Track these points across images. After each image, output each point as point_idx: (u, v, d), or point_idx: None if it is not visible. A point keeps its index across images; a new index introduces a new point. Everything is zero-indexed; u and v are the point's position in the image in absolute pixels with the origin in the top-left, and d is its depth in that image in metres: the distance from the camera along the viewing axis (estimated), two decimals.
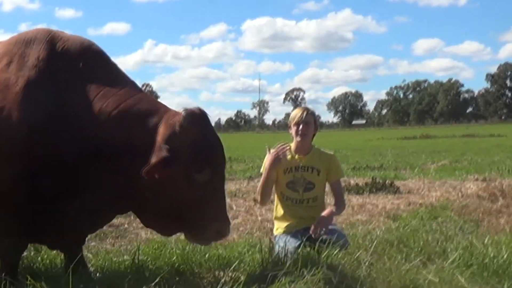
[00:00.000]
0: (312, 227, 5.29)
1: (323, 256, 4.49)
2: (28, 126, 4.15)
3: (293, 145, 5.79)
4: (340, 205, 5.88)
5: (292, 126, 5.74)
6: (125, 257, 5.37)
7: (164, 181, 4.05)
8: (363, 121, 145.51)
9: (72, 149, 4.23)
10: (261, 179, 5.67)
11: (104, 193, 4.26)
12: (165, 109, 4.35)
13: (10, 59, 4.39)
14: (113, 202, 4.37)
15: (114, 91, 4.35)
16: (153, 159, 4.03)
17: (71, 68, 4.39)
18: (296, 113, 5.73)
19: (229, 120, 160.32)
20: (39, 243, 5.04)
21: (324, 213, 5.48)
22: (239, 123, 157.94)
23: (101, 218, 4.66)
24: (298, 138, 5.69)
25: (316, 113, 5.97)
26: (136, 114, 4.26)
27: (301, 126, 5.66)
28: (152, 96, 4.61)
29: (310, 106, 6.35)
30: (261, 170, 5.78)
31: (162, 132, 4.13)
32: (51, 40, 4.50)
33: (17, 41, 4.53)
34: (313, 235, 5.20)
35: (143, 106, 4.32)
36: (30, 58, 4.36)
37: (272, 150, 5.55)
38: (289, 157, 5.74)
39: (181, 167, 4.08)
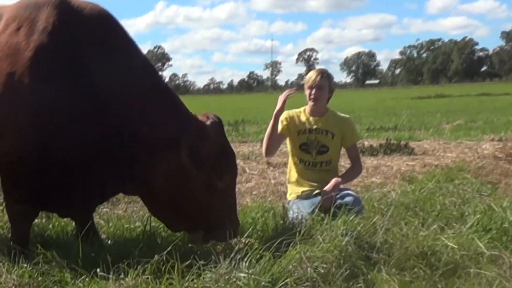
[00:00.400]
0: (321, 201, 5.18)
1: (338, 222, 4.37)
2: (39, 93, 4.08)
3: (307, 107, 5.66)
4: (356, 169, 5.80)
5: (306, 89, 5.60)
6: (137, 223, 5.31)
7: (184, 183, 4.21)
8: (377, 81, 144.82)
9: (85, 121, 4.18)
10: (267, 129, 5.55)
11: (113, 172, 4.29)
12: (188, 112, 4.43)
13: (20, 23, 4.27)
14: (122, 183, 4.41)
15: (134, 71, 4.32)
16: (186, 162, 4.16)
17: (86, 37, 4.28)
18: (310, 76, 5.59)
19: (242, 81, 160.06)
20: (49, 211, 5.00)
21: (327, 187, 5.29)
22: (251, 84, 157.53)
23: (109, 192, 4.62)
24: (311, 103, 5.57)
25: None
26: (160, 109, 4.30)
27: (314, 90, 5.53)
28: (172, 90, 4.62)
29: (323, 68, 6.15)
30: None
31: (193, 136, 4.20)
32: (66, 5, 4.36)
33: (28, 5, 4.38)
34: (323, 208, 5.08)
35: (167, 104, 4.36)
36: (42, 23, 4.23)
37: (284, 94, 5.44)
38: (303, 118, 5.63)
39: (204, 173, 4.22)
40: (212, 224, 4.29)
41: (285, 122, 5.60)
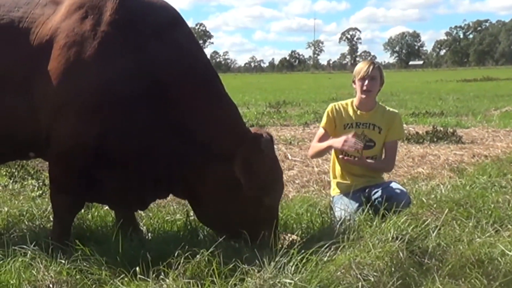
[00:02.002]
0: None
1: (388, 224, 4.16)
2: (103, 81, 4.12)
3: (356, 100, 5.43)
4: (387, 163, 5.52)
5: (356, 81, 5.37)
6: (177, 215, 5.18)
7: (233, 195, 4.21)
8: (421, 62, 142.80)
9: (145, 113, 4.20)
10: (319, 144, 5.37)
11: (167, 170, 4.32)
12: (243, 124, 4.52)
13: (87, 11, 4.26)
14: (174, 184, 4.43)
15: (197, 71, 4.35)
16: (239, 175, 4.15)
17: (151, 31, 4.29)
18: (361, 67, 5.34)
19: (283, 60, 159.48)
20: (99, 202, 5.00)
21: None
22: (293, 63, 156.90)
23: (162, 190, 4.58)
24: (363, 95, 5.33)
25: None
26: (219, 117, 4.31)
27: (366, 82, 5.29)
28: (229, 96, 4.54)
29: (368, 58, 5.92)
30: (321, 124, 5.50)
31: (249, 151, 4.16)
32: None
33: None
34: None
35: (226, 113, 4.38)
36: (108, 13, 4.24)
37: (349, 137, 5.08)
38: (351, 112, 5.41)
39: (254, 187, 4.17)
40: (253, 236, 4.20)
41: (330, 116, 5.43)
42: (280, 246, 4.01)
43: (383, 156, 5.53)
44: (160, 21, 4.37)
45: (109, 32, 4.18)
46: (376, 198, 5.08)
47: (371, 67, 5.28)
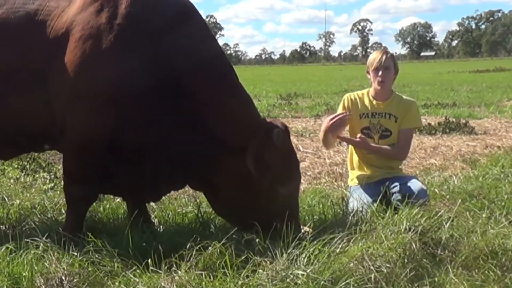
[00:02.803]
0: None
1: (401, 215, 4.13)
2: (119, 73, 4.14)
3: (371, 90, 5.38)
4: (398, 150, 5.35)
5: (370, 71, 5.32)
6: (189, 207, 5.18)
7: (248, 187, 4.20)
8: (432, 53, 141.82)
9: (160, 105, 4.22)
10: (321, 132, 5.30)
11: (182, 162, 4.32)
12: (258, 115, 4.51)
13: (102, 4, 4.26)
14: (189, 176, 4.44)
15: (211, 64, 4.34)
16: (252, 167, 4.13)
17: (166, 25, 4.30)
18: (374, 58, 5.28)
19: (294, 52, 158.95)
20: (113, 194, 5.04)
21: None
22: (304, 55, 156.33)
23: (177, 182, 4.59)
24: (378, 86, 5.27)
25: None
26: (233, 108, 4.31)
27: (380, 72, 5.23)
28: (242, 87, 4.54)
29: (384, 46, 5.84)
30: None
31: (260, 143, 4.16)
32: None
33: None
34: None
35: (240, 104, 4.37)
36: (124, 6, 4.25)
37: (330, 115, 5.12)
38: (367, 101, 5.37)
39: (268, 178, 4.17)
40: (270, 228, 4.13)
41: (346, 105, 5.36)
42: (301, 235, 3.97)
43: None
44: (175, 13, 4.37)
45: (124, 25, 4.19)
46: (394, 193, 5.03)
47: (384, 57, 5.22)
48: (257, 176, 4.14)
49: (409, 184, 5.08)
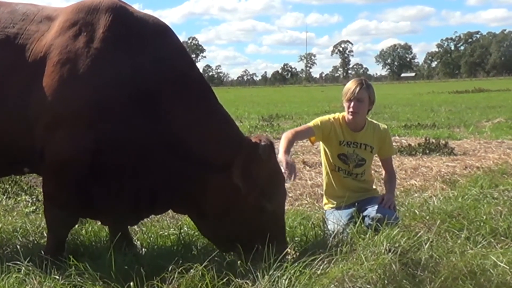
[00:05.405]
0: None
1: (381, 237, 4.17)
2: (97, 97, 4.15)
3: (346, 118, 5.38)
4: (395, 179, 5.66)
5: (344, 101, 5.34)
6: (171, 230, 5.18)
7: (234, 204, 4.21)
8: (412, 74, 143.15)
9: (140, 128, 4.22)
10: (284, 138, 5.23)
11: (164, 185, 4.30)
12: (240, 132, 4.53)
13: (80, 28, 4.30)
14: (172, 199, 4.41)
15: (190, 87, 4.38)
16: (238, 183, 4.15)
17: (144, 48, 4.33)
18: (349, 88, 5.28)
19: (276, 73, 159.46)
20: (94, 218, 4.99)
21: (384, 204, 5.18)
22: (285, 76, 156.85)
23: (159, 206, 4.55)
24: (350, 116, 5.30)
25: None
26: (214, 128, 4.35)
27: (352, 103, 5.25)
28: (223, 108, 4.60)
29: (362, 77, 5.84)
30: (313, 122, 5.42)
31: (247, 157, 4.17)
32: (125, 13, 4.42)
33: (88, 9, 4.39)
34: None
35: (221, 123, 4.42)
36: (101, 30, 4.28)
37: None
38: (342, 129, 5.39)
39: (255, 194, 4.18)
40: (255, 244, 4.14)
41: (325, 127, 5.35)
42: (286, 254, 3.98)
43: (370, 168, 5.65)
44: (152, 36, 4.40)
45: (102, 49, 4.21)
46: (365, 216, 5.09)
47: (358, 88, 5.21)
48: (244, 191, 4.14)
49: (379, 207, 5.12)
